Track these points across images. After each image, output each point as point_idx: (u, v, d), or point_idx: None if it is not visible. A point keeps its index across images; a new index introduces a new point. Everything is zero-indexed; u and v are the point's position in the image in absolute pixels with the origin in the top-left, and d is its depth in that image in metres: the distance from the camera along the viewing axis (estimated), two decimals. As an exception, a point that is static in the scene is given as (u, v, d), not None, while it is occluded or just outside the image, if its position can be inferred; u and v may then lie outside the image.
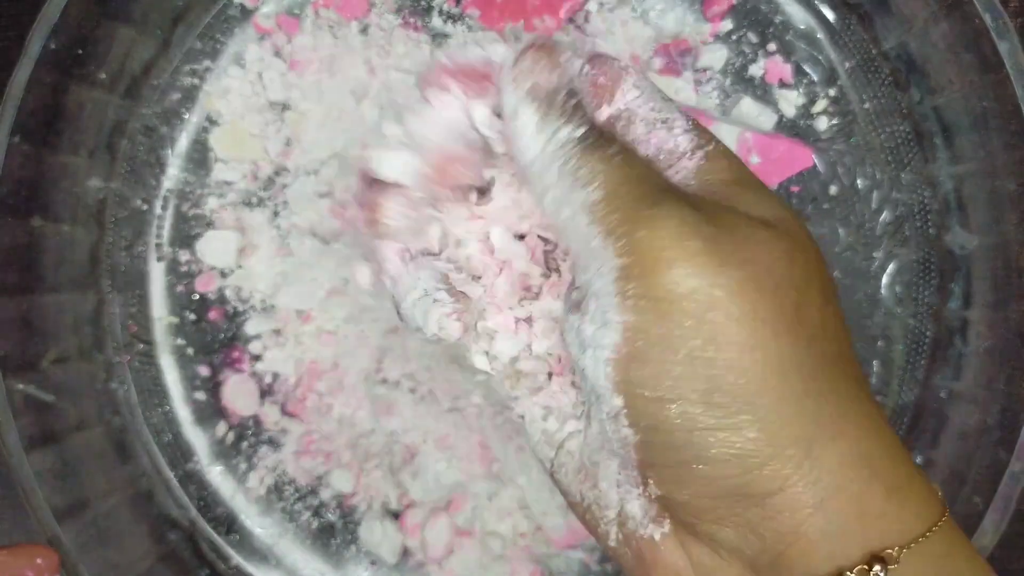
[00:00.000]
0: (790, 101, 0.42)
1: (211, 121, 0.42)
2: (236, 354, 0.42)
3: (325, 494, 0.42)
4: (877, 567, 0.23)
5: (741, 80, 0.42)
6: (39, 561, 0.32)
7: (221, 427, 0.42)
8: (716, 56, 0.42)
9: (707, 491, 0.24)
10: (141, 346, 0.42)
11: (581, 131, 0.25)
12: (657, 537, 0.26)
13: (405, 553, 0.42)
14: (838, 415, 0.23)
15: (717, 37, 0.42)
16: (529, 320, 0.29)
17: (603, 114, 0.28)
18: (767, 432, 0.23)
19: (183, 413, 0.42)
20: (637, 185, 0.24)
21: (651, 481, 0.25)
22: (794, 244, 0.25)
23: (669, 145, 0.28)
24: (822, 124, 0.42)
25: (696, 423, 0.23)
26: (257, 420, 0.42)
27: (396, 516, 0.42)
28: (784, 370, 0.23)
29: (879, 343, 0.42)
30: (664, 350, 0.23)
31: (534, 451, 0.29)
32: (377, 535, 0.41)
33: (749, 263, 0.23)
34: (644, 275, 0.23)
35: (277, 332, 0.42)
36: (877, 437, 0.24)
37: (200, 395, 0.42)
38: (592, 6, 0.42)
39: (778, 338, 0.23)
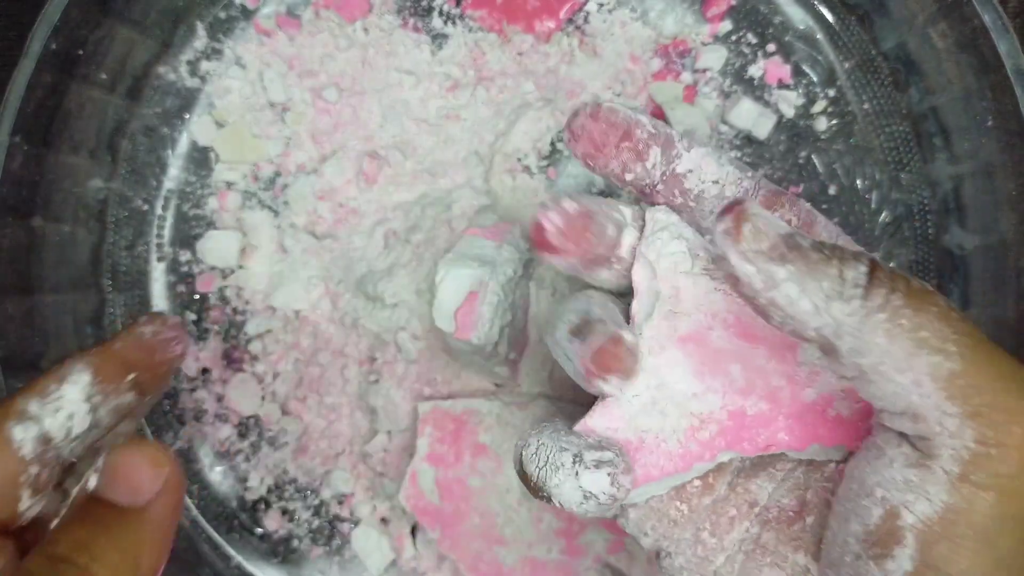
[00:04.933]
0: (789, 102, 0.42)
1: (212, 121, 0.42)
2: (237, 354, 0.42)
3: (325, 494, 0.42)
4: None
5: (740, 81, 0.42)
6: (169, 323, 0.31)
7: (222, 427, 0.42)
8: (715, 57, 0.42)
9: None
10: (141, 346, 0.42)
11: (863, 271, 0.22)
12: None
13: (394, 563, 0.42)
14: None
15: (716, 38, 0.42)
16: None
17: None
18: None
19: (183, 413, 0.42)
20: (1000, 360, 0.22)
21: None
22: None
23: None
24: (821, 124, 0.42)
25: None
26: (258, 420, 0.42)
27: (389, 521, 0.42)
28: None
29: (878, 343, 0.42)
30: (983, 542, 0.22)
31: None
32: (372, 542, 0.41)
33: None
34: (1012, 472, 0.21)
35: (277, 332, 0.42)
36: None
37: (201, 395, 0.42)
38: (591, 7, 0.42)
39: None
